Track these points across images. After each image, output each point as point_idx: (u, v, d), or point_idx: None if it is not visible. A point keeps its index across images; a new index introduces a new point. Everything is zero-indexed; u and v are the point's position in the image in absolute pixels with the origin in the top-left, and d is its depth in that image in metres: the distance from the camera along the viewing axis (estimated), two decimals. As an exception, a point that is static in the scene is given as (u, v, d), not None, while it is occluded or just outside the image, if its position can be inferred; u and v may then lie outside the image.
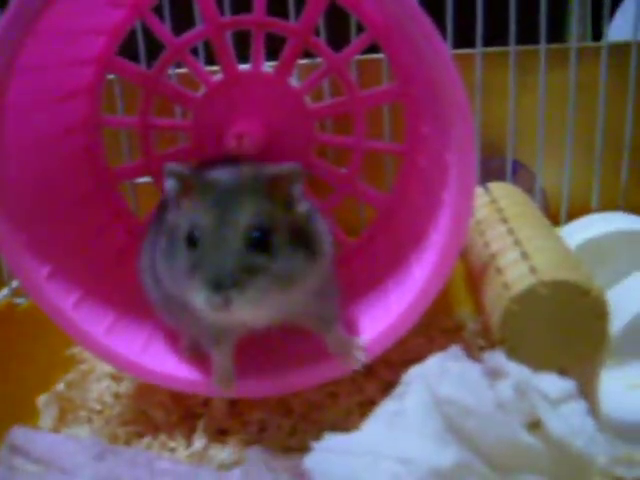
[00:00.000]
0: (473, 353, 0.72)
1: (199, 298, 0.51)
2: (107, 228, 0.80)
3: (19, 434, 0.66)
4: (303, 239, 0.55)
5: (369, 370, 0.75)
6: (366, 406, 0.71)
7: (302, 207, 0.56)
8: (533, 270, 0.60)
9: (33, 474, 0.62)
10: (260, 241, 0.52)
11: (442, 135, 0.60)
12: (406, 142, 0.78)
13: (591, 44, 0.92)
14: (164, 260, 0.58)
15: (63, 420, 0.77)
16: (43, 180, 0.70)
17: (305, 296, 0.57)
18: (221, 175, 0.56)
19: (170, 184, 0.56)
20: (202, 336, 0.64)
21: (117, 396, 0.79)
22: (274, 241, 0.53)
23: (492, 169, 0.89)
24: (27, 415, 0.76)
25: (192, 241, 0.52)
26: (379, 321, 0.65)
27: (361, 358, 0.64)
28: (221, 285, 0.50)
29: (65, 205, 0.73)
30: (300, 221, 0.56)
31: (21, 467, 0.63)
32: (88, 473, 0.61)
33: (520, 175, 0.91)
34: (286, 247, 0.53)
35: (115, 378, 0.82)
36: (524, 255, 0.64)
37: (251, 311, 0.52)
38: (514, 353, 0.59)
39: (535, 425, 0.53)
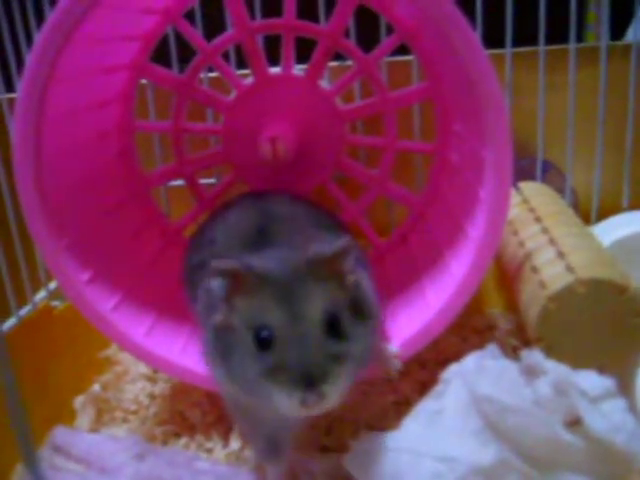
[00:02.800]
0: (506, 352, 0.72)
1: (289, 400, 0.47)
2: (142, 232, 0.81)
3: (61, 434, 0.67)
4: (358, 309, 0.52)
5: (403, 370, 0.76)
6: (401, 406, 0.72)
7: (352, 277, 0.53)
8: (570, 268, 0.60)
9: (75, 473, 0.63)
10: (334, 327, 0.49)
11: (476, 130, 0.61)
12: (437, 141, 0.78)
13: (620, 43, 0.92)
14: (221, 365, 0.52)
15: (100, 420, 0.78)
16: (80, 186, 0.71)
17: None
18: (273, 262, 0.51)
19: (218, 284, 0.51)
20: (257, 445, 0.61)
21: (152, 397, 0.81)
22: (343, 324, 0.50)
23: (522, 169, 0.89)
24: (64, 415, 0.77)
25: (264, 342, 0.48)
26: (418, 318, 0.65)
27: (395, 366, 0.64)
28: (314, 381, 0.46)
29: (102, 210, 0.74)
30: (352, 292, 0.53)
31: (63, 466, 0.65)
32: (129, 472, 0.62)
33: (550, 175, 0.91)
34: (352, 325, 0.51)
35: (150, 379, 0.84)
36: (560, 254, 0.64)
37: (339, 400, 0.49)
38: (551, 351, 0.59)
39: (575, 423, 0.53)
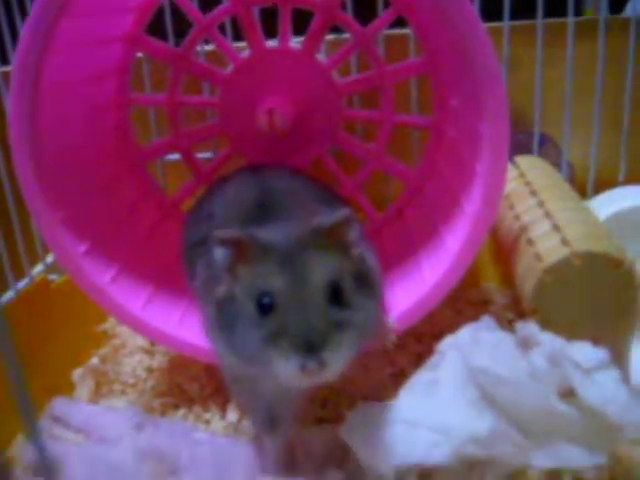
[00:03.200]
0: (502, 325, 0.72)
1: (289, 366, 0.46)
2: (138, 205, 0.81)
3: (59, 405, 0.68)
4: (363, 281, 0.52)
5: (399, 343, 0.76)
6: (397, 377, 0.72)
7: (357, 250, 0.52)
8: (566, 242, 0.61)
9: (74, 443, 0.64)
10: (337, 296, 0.48)
11: (473, 104, 0.61)
12: (434, 115, 0.78)
13: (619, 17, 0.91)
14: (222, 337, 0.52)
15: (98, 393, 0.79)
16: (76, 159, 0.71)
17: None
18: (276, 232, 0.51)
19: (221, 253, 0.50)
20: (256, 418, 0.61)
21: (150, 370, 0.81)
22: (347, 292, 0.49)
23: (519, 143, 0.89)
24: (63, 388, 0.77)
25: (265, 308, 0.48)
26: (413, 292, 0.65)
27: (391, 338, 0.65)
28: (314, 347, 0.45)
29: (98, 183, 0.74)
30: (358, 264, 0.52)
31: (62, 436, 0.65)
32: (128, 443, 0.62)
33: (547, 149, 0.91)
34: (355, 295, 0.50)
35: (148, 352, 0.84)
36: (556, 227, 0.64)
37: (342, 369, 0.48)
38: (546, 324, 0.59)
39: (569, 394, 0.53)
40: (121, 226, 0.76)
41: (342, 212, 0.50)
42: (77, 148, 0.72)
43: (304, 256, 0.49)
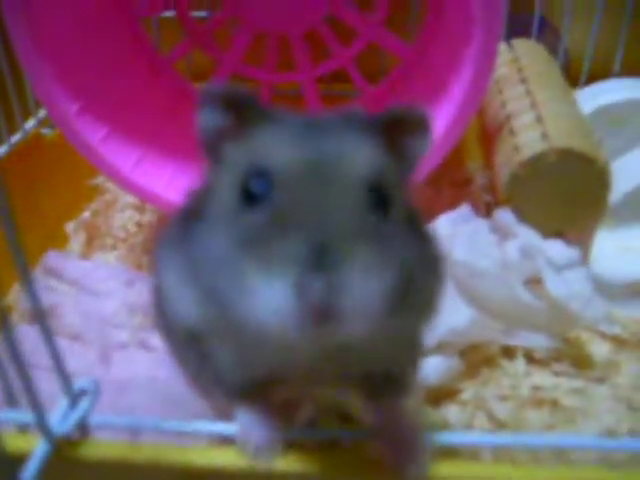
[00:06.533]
0: (479, 209, 0.74)
1: (273, 291, 0.27)
2: (131, 63, 0.80)
3: (54, 258, 0.71)
4: (420, 233, 0.34)
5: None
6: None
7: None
8: (545, 136, 0.62)
9: (67, 294, 0.68)
10: (377, 206, 0.30)
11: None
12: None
13: None
14: (172, 256, 0.34)
15: (90, 246, 0.82)
16: (69, 14, 0.69)
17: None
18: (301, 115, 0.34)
19: (210, 119, 0.33)
20: (217, 392, 0.38)
21: (140, 225, 0.84)
22: (392, 212, 0.31)
23: (518, 25, 0.88)
24: (57, 240, 0.80)
25: (254, 195, 0.30)
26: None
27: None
28: (328, 259, 0.27)
29: (91, 39, 0.73)
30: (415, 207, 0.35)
31: (56, 288, 0.69)
32: (119, 297, 0.66)
33: (546, 34, 0.89)
34: (403, 230, 0.32)
35: (138, 209, 0.86)
36: (539, 119, 0.65)
37: (371, 318, 0.28)
38: (517, 212, 0.62)
39: (535, 281, 0.57)
40: (112, 82, 0.75)
41: (417, 108, 0.34)
42: (70, 2, 0.70)
43: (337, 133, 0.32)
